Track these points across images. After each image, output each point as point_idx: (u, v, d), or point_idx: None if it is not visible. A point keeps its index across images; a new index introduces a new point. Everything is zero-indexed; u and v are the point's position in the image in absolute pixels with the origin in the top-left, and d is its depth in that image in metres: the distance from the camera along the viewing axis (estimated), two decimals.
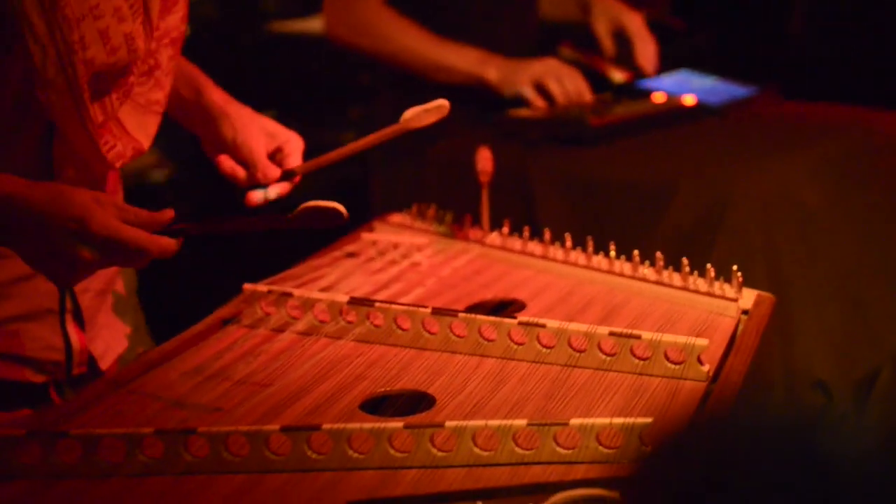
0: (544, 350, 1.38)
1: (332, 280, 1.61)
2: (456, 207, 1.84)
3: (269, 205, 1.58)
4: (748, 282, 1.56)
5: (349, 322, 1.47)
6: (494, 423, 1.16)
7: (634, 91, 2.64)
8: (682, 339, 1.33)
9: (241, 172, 1.58)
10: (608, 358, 1.36)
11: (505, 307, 1.58)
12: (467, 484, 1.12)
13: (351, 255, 1.74)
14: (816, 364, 2.22)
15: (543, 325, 1.38)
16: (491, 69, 2.54)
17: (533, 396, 1.29)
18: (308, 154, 1.63)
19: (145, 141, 1.46)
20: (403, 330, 1.44)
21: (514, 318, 1.41)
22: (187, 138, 1.70)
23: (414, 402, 1.29)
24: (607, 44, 2.71)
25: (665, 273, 1.59)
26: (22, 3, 1.29)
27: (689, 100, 2.61)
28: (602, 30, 2.72)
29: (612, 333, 1.36)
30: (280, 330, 1.47)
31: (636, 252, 1.62)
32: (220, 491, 1.13)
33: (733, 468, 0.75)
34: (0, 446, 1.16)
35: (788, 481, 0.73)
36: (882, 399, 2.24)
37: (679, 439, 0.83)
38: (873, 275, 2.34)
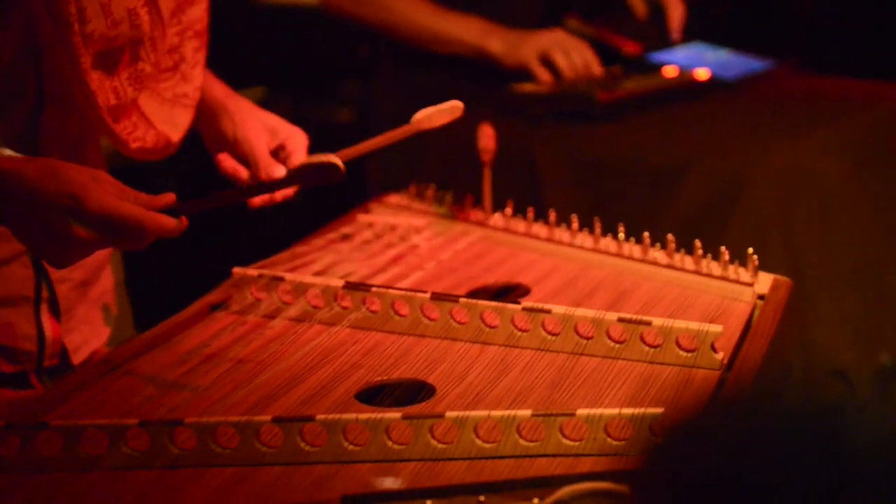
0: (550, 337, 1.38)
1: (326, 263, 1.61)
2: (456, 187, 1.84)
3: (273, 207, 1.58)
4: (764, 265, 1.56)
5: (344, 308, 1.47)
6: (497, 413, 1.16)
7: (645, 65, 2.64)
8: (694, 325, 1.33)
9: (242, 172, 1.57)
10: (617, 345, 1.36)
11: (508, 292, 1.58)
12: (469, 478, 1.12)
13: (346, 237, 1.74)
14: (836, 352, 2.22)
15: (549, 311, 1.38)
16: (494, 40, 2.54)
17: (538, 386, 1.29)
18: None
19: (173, 133, 1.49)
20: (401, 316, 1.44)
21: (518, 303, 1.41)
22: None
23: (413, 392, 1.29)
24: (639, 6, 2.71)
25: (677, 256, 1.59)
26: None
27: (702, 74, 2.60)
28: None
29: (620, 319, 1.36)
30: (271, 316, 1.47)
31: (646, 234, 1.62)
32: (208, 485, 1.13)
33: (748, 461, 0.75)
34: None
35: (807, 475, 0.73)
36: None
37: (691, 431, 0.83)
38: None
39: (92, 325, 1.59)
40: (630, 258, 1.62)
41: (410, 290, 1.46)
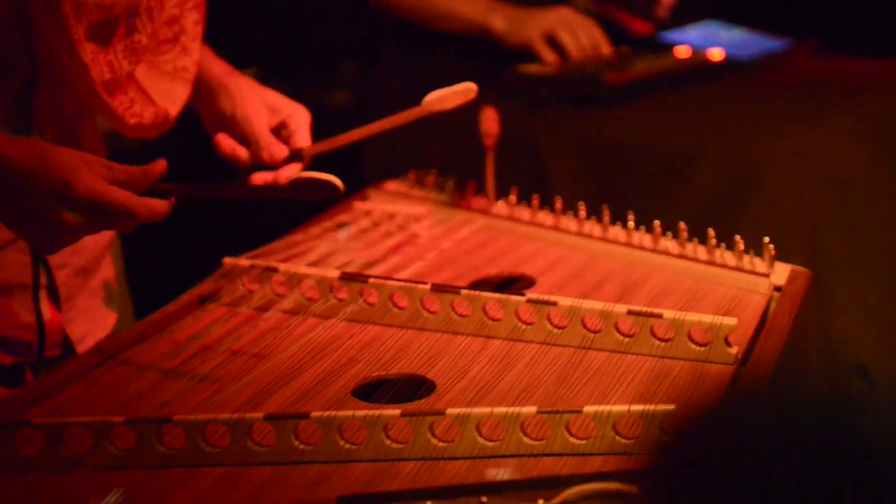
0: (555, 330, 1.38)
1: (321, 253, 1.61)
2: (458, 173, 1.84)
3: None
4: (781, 255, 1.56)
5: (340, 300, 1.47)
6: (500, 410, 1.16)
7: (656, 44, 2.63)
8: (707, 318, 1.33)
9: (242, 153, 1.56)
10: (626, 339, 1.36)
11: (512, 283, 1.58)
12: (470, 478, 1.12)
13: (342, 225, 1.74)
14: (857, 346, 2.22)
15: (555, 303, 1.38)
16: (497, 18, 2.53)
17: (543, 382, 1.29)
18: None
19: (172, 107, 1.49)
20: (400, 308, 1.44)
21: (523, 295, 1.41)
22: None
23: (412, 388, 1.29)
24: None
25: (689, 246, 1.59)
26: None
27: (716, 54, 2.60)
28: None
29: (630, 312, 1.36)
30: (264, 308, 1.47)
31: (657, 223, 1.62)
32: (197, 485, 1.13)
33: (763, 461, 0.75)
34: None
35: (826, 477, 0.73)
36: None
37: (704, 428, 0.83)
38: None
39: (94, 315, 1.59)
40: (640, 248, 1.62)
41: (410, 281, 1.46)
